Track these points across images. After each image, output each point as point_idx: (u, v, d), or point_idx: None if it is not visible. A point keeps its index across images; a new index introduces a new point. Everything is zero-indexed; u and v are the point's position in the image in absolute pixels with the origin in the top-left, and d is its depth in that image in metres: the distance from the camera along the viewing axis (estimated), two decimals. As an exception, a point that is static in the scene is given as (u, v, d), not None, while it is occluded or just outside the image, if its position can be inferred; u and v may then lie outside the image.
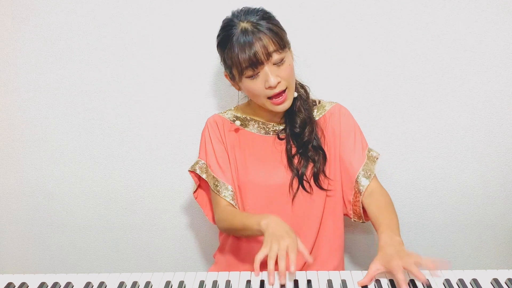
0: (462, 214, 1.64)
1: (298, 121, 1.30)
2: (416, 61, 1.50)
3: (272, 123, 1.34)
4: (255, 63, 1.17)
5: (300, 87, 1.34)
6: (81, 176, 1.67)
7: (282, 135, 1.32)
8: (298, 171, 1.29)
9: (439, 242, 1.67)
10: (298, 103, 1.30)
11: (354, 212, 1.33)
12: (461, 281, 1.02)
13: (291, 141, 1.31)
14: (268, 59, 1.17)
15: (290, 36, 1.26)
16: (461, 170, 1.60)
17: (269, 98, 1.22)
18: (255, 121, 1.35)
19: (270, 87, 1.19)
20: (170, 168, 1.64)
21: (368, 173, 1.30)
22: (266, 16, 1.22)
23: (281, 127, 1.33)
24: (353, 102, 1.53)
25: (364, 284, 1.03)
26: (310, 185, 1.30)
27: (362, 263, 1.72)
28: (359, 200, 1.30)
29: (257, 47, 1.15)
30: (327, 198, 1.33)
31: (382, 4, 1.46)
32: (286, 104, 1.24)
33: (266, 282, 1.03)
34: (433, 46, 1.49)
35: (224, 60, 1.25)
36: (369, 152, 1.34)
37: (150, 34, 1.53)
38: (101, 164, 1.66)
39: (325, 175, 1.31)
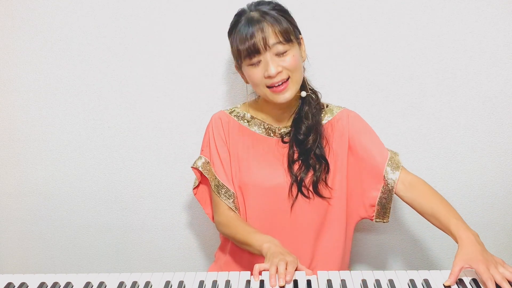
0: (462, 214, 1.61)
1: (303, 128, 1.26)
2: (416, 61, 1.50)
3: (278, 126, 1.31)
4: (253, 52, 1.16)
5: (311, 92, 1.30)
6: (81, 176, 1.67)
7: (286, 139, 1.29)
8: (297, 177, 1.26)
9: (439, 242, 1.67)
10: (306, 108, 1.27)
11: (378, 212, 1.30)
12: None
13: (294, 146, 1.28)
14: (266, 49, 1.16)
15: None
16: (461, 170, 1.60)
17: (269, 87, 1.19)
18: (261, 121, 1.32)
19: (270, 77, 1.16)
20: (170, 168, 1.64)
21: (395, 165, 1.26)
22: (278, 7, 1.21)
23: (287, 131, 1.30)
24: (353, 102, 1.53)
25: (450, 285, 1.01)
26: (309, 192, 1.27)
27: (367, 262, 1.72)
28: (390, 195, 1.26)
29: (258, 36, 1.15)
30: (329, 207, 1.30)
31: (382, 4, 1.46)
32: (288, 95, 1.20)
33: (265, 282, 1.03)
34: (433, 46, 1.49)
35: (231, 47, 1.23)
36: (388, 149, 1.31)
37: (150, 34, 1.53)
38: (101, 164, 1.66)
39: (326, 184, 1.28)
